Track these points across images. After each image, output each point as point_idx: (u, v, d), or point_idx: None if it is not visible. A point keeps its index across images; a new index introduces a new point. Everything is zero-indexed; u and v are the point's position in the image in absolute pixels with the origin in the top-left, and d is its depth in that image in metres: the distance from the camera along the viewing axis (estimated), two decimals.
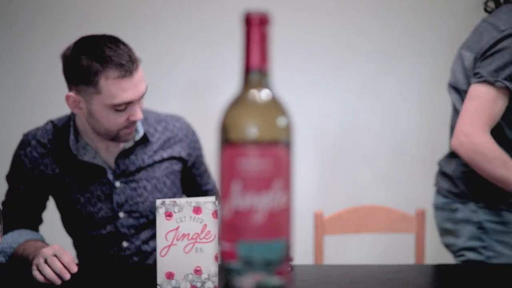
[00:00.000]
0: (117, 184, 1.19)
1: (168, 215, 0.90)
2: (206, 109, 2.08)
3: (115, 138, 1.16)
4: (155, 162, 1.23)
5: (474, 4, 2.14)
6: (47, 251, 1.00)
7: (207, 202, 0.90)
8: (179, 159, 1.27)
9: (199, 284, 0.89)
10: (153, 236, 1.21)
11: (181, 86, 2.10)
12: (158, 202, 0.91)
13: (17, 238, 1.13)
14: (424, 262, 1.57)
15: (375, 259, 2.14)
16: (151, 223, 1.20)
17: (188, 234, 0.89)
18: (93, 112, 1.11)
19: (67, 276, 0.97)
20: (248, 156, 0.56)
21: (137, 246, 1.22)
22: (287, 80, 2.07)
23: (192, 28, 2.09)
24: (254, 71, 0.59)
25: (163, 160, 1.24)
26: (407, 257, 1.87)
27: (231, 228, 0.57)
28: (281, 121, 0.59)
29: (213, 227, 0.89)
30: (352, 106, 2.14)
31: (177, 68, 2.10)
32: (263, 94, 0.59)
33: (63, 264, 0.98)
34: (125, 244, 1.21)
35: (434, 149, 2.16)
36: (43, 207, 1.28)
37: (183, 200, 0.91)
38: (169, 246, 0.90)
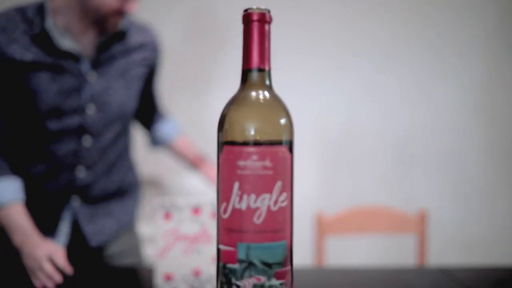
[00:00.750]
0: (91, 75, 1.14)
1: (167, 216, 0.89)
2: (206, 109, 2.07)
3: (100, 22, 1.11)
4: (129, 62, 1.22)
5: (474, 4, 2.14)
6: (41, 254, 0.96)
7: (207, 203, 0.89)
8: (148, 66, 1.28)
9: (198, 286, 0.88)
10: (119, 135, 1.22)
11: (181, 86, 2.10)
12: (157, 203, 0.91)
13: None
14: (426, 263, 1.56)
15: (376, 259, 2.13)
16: (118, 121, 1.20)
17: (187, 235, 0.88)
18: None
19: (60, 280, 0.95)
20: (248, 156, 0.55)
21: (100, 142, 1.18)
22: (288, 80, 2.07)
23: (193, 27, 2.08)
24: (254, 70, 0.58)
25: (136, 62, 1.23)
26: (408, 258, 1.87)
27: (230, 229, 0.56)
28: (281, 121, 0.58)
29: (212, 228, 0.88)
30: (353, 106, 2.14)
31: (177, 68, 2.09)
32: (263, 94, 0.59)
33: (58, 268, 0.96)
34: (89, 140, 1.16)
35: (435, 149, 2.16)
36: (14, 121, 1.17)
37: (183, 201, 0.90)
38: (168, 247, 0.89)
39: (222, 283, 0.57)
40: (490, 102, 2.16)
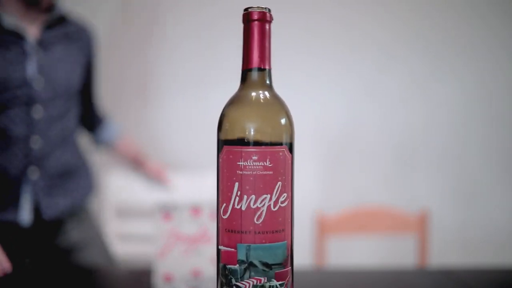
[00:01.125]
0: (37, 51, 1.25)
1: (167, 216, 0.89)
2: (206, 109, 2.07)
3: (33, 1, 1.23)
4: (70, 48, 1.33)
5: (475, 4, 2.14)
6: None
7: (206, 204, 0.89)
8: (85, 56, 1.39)
9: (197, 286, 0.88)
10: (68, 110, 1.33)
11: (181, 85, 2.10)
12: (157, 203, 0.90)
13: None
14: (427, 263, 1.56)
15: (377, 259, 2.13)
16: (66, 95, 1.31)
17: (187, 236, 0.88)
18: None
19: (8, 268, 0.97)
20: (248, 156, 0.55)
21: (50, 112, 1.27)
22: (288, 79, 2.07)
23: (193, 27, 2.08)
24: (254, 70, 0.58)
25: (75, 48, 1.35)
26: (409, 258, 1.87)
27: (230, 230, 0.56)
28: (281, 121, 0.57)
29: (212, 228, 0.88)
30: (353, 106, 2.13)
31: (177, 67, 2.09)
32: (264, 94, 0.58)
33: None
34: (40, 110, 1.25)
35: (436, 148, 2.16)
36: None
37: (182, 202, 0.90)
38: (167, 247, 0.89)
39: (222, 284, 0.57)
40: (491, 102, 2.15)
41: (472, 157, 2.16)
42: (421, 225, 1.55)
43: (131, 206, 1.72)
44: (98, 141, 1.58)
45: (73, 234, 1.35)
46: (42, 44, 1.26)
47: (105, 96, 1.75)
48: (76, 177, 1.38)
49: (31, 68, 1.23)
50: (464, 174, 2.16)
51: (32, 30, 1.26)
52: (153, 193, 1.66)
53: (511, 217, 2.17)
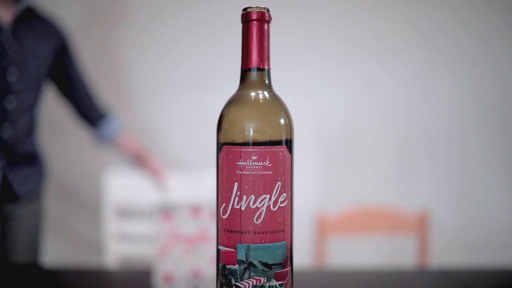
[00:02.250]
0: (12, 42, 1.29)
1: (166, 216, 0.88)
2: (206, 109, 2.07)
3: None
4: (40, 38, 1.38)
5: (476, 3, 2.14)
6: None
7: (206, 204, 0.89)
8: (54, 48, 1.43)
9: (197, 286, 0.88)
10: (36, 100, 1.40)
11: (181, 85, 2.09)
12: (157, 203, 0.90)
13: None
14: (427, 263, 1.56)
15: (377, 259, 2.13)
16: (36, 85, 1.38)
17: (187, 236, 0.88)
18: None
19: None
20: (247, 156, 0.55)
21: (22, 102, 1.33)
22: (288, 79, 2.07)
23: (192, 27, 2.08)
24: (254, 70, 0.58)
25: (45, 39, 1.40)
26: (410, 258, 1.86)
27: (230, 230, 0.56)
28: (281, 121, 0.57)
29: (211, 229, 0.88)
30: (353, 105, 2.13)
31: (177, 67, 2.09)
32: (263, 94, 0.58)
33: None
34: (13, 100, 1.31)
35: (437, 148, 2.16)
36: None
37: (182, 202, 0.90)
38: (167, 248, 0.88)
39: (221, 284, 0.57)
40: (491, 102, 2.15)
41: (472, 157, 2.16)
42: (421, 225, 1.55)
43: (132, 206, 1.72)
44: (101, 137, 1.58)
45: (17, 220, 1.41)
46: (15, 36, 1.32)
47: (105, 96, 1.75)
48: (35, 165, 1.45)
49: (7, 59, 1.29)
50: (464, 174, 2.16)
51: (4, 22, 1.31)
52: (154, 193, 1.65)
53: (511, 217, 2.17)
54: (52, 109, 1.83)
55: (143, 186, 1.67)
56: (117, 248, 1.65)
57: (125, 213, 1.76)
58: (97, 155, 1.96)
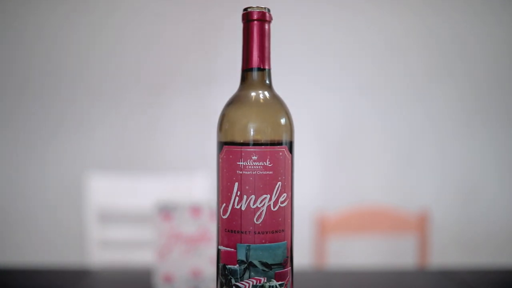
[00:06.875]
0: None
1: (166, 216, 0.88)
2: (206, 109, 2.07)
3: None
4: None
5: (475, 4, 2.14)
6: None
7: (206, 204, 0.89)
8: None
9: (197, 286, 0.88)
10: None
11: (181, 85, 2.09)
12: (156, 203, 0.90)
13: None
14: (427, 263, 1.56)
15: (378, 259, 2.13)
16: None
17: (187, 236, 0.88)
18: None
19: None
20: (248, 156, 0.55)
21: None
22: (288, 79, 2.06)
23: (192, 27, 2.08)
24: (254, 70, 0.58)
25: None
26: (410, 258, 1.86)
27: (230, 230, 0.56)
28: (281, 121, 0.57)
29: (211, 229, 0.88)
30: (354, 106, 2.13)
31: (176, 67, 2.09)
32: (263, 94, 0.58)
33: None
34: None
35: (437, 148, 2.16)
36: None
37: (182, 202, 0.89)
38: (167, 248, 0.88)
39: (222, 284, 0.57)
40: (492, 102, 2.15)
41: (472, 157, 2.16)
42: (421, 225, 1.55)
43: (115, 211, 1.57)
44: None
45: None
46: None
47: (105, 96, 1.75)
48: None
49: None
50: (464, 174, 2.16)
51: None
52: (137, 198, 1.53)
53: (511, 217, 2.17)
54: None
55: (126, 190, 1.55)
56: (99, 255, 1.51)
57: (107, 218, 1.59)
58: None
